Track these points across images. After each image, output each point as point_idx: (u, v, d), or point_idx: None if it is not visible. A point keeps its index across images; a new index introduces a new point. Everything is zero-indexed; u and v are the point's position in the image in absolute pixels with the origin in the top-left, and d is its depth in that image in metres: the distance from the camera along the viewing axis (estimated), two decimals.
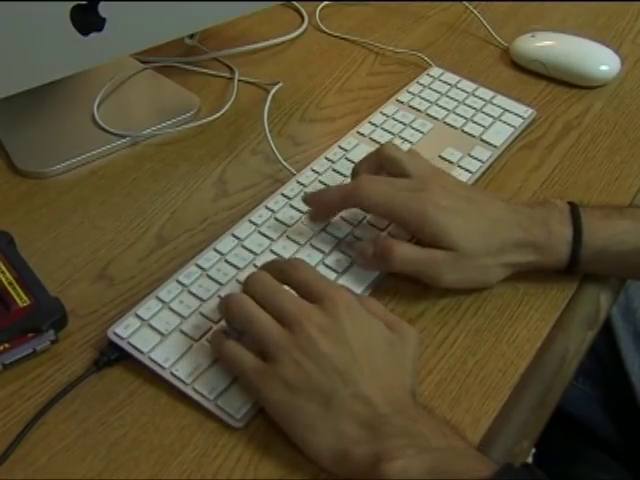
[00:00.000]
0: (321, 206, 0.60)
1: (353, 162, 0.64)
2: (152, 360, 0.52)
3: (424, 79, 0.80)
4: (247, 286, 0.52)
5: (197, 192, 0.67)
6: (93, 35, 0.63)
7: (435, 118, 0.74)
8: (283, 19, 0.89)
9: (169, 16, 0.68)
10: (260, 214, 0.62)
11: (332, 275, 0.58)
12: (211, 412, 0.50)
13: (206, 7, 0.70)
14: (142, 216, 0.65)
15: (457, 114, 0.75)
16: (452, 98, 0.77)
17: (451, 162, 0.69)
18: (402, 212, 0.56)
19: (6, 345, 0.52)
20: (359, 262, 0.58)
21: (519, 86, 0.81)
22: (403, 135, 0.72)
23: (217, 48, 0.83)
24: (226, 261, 0.59)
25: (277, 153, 0.69)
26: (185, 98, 0.77)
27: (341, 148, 0.70)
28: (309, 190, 0.65)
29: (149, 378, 0.52)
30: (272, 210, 0.63)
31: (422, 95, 0.77)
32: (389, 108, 0.75)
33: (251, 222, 0.62)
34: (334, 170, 0.67)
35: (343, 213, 0.61)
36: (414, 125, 0.73)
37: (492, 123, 0.74)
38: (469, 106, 0.76)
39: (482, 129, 0.73)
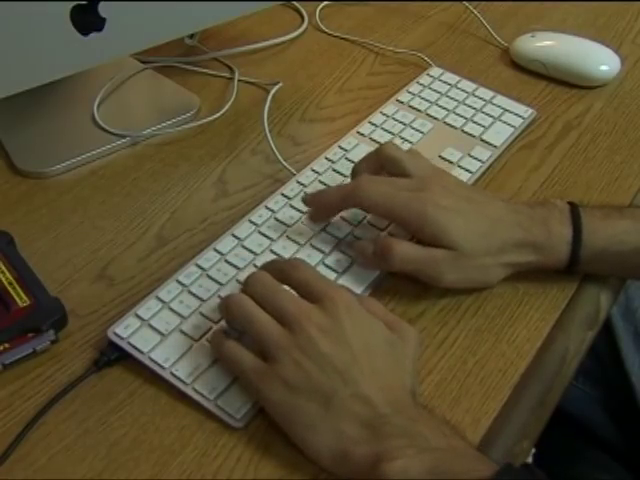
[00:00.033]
0: (321, 206, 0.60)
1: (353, 162, 0.64)
2: (152, 360, 0.52)
3: (424, 79, 0.80)
4: (247, 286, 0.52)
5: (197, 192, 0.67)
6: (93, 35, 0.63)
7: (435, 118, 0.74)
8: (283, 19, 0.89)
9: (169, 16, 0.68)
10: (260, 214, 0.62)
11: (332, 275, 0.58)
12: (211, 412, 0.50)
13: (206, 7, 0.70)
14: (142, 216, 0.65)
15: (457, 114, 0.75)
16: (452, 98, 0.77)
17: (451, 162, 0.69)
18: (402, 212, 0.56)
19: (6, 345, 0.52)
20: (359, 261, 0.58)
21: (519, 86, 0.81)
22: (403, 135, 0.72)
23: (217, 48, 0.83)
24: (226, 261, 0.59)
25: (277, 153, 0.69)
26: (185, 98, 0.77)
27: (341, 148, 0.70)
28: (309, 190, 0.65)
29: (149, 378, 0.52)
30: (272, 210, 0.63)
31: (422, 95, 0.77)
32: (389, 108, 0.75)
33: (251, 222, 0.62)
34: (334, 170, 0.67)
35: (343, 213, 0.61)
36: (414, 125, 0.73)
37: (492, 123, 0.74)
38: (469, 106, 0.76)
39: (482, 129, 0.73)
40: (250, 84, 0.80)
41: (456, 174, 0.66)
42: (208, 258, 0.59)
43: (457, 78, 0.80)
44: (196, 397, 0.50)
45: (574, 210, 0.58)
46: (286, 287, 0.51)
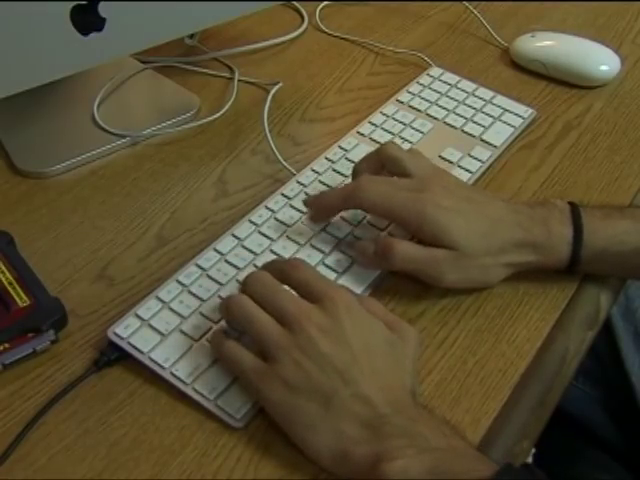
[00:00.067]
0: (322, 208, 0.60)
1: (353, 162, 0.64)
2: (152, 360, 0.52)
3: (424, 79, 0.80)
4: (246, 285, 0.52)
5: (197, 192, 0.67)
6: (93, 35, 0.63)
7: (435, 118, 0.74)
8: (283, 19, 0.89)
9: (169, 16, 0.68)
10: (260, 214, 0.62)
11: (332, 275, 0.58)
12: (211, 412, 0.50)
13: (206, 7, 0.70)
14: (142, 216, 0.65)
15: (457, 114, 0.75)
16: (452, 98, 0.77)
17: (451, 162, 0.69)
18: (401, 212, 0.56)
19: (6, 345, 0.52)
20: (360, 261, 0.58)
21: (519, 86, 0.81)
22: (403, 135, 0.72)
23: (217, 48, 0.83)
24: (226, 261, 0.59)
25: (277, 153, 0.69)
26: (185, 98, 0.77)
27: (341, 148, 0.70)
28: (309, 190, 0.65)
29: (149, 378, 0.52)
30: (272, 210, 0.63)
31: (422, 95, 0.77)
32: (389, 108, 0.75)
33: (251, 222, 0.62)
34: (334, 170, 0.67)
35: (343, 213, 0.61)
36: (414, 125, 0.73)
37: (492, 123, 0.74)
38: (469, 106, 0.76)
39: (482, 129, 0.73)
40: (250, 84, 0.80)
41: (456, 174, 0.66)
42: (208, 258, 0.59)
43: (457, 78, 0.80)
44: (196, 397, 0.50)
45: (574, 210, 0.58)
46: (286, 287, 0.51)
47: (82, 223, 0.64)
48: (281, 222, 0.62)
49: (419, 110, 0.75)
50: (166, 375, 0.51)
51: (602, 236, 0.57)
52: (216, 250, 0.59)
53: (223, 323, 0.53)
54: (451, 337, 0.56)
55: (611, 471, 0.79)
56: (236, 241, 0.60)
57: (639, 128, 0.76)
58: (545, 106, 0.78)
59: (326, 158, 0.69)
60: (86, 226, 0.64)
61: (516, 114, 0.75)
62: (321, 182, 0.66)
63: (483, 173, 0.69)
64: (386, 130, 0.72)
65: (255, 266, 0.58)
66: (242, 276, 0.56)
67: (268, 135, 0.71)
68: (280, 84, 0.79)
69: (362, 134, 0.72)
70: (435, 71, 0.81)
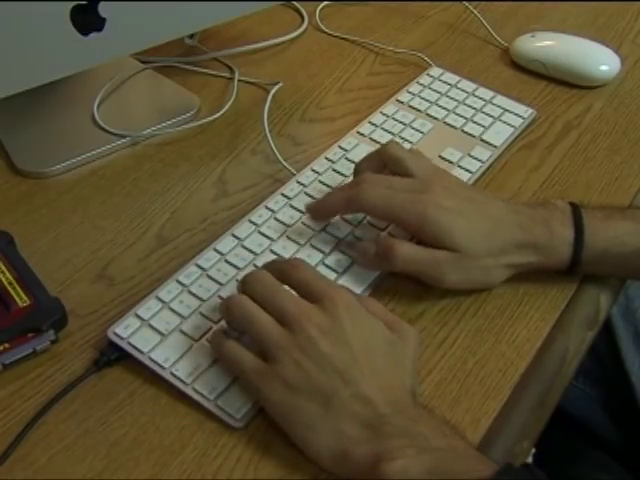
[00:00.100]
0: (324, 214, 0.61)
1: (353, 162, 0.64)
2: (152, 360, 0.52)
3: (424, 79, 0.80)
4: (246, 285, 0.52)
5: (197, 192, 0.67)
6: (93, 35, 0.63)
7: (435, 118, 0.74)
8: (283, 19, 0.89)
9: (169, 16, 0.68)
10: (260, 214, 0.62)
11: (332, 275, 0.58)
12: (211, 412, 0.50)
13: (206, 7, 0.70)
14: (142, 216, 0.65)
15: (457, 114, 0.75)
16: (452, 98, 0.77)
17: (451, 162, 0.69)
18: (402, 213, 0.56)
19: (6, 345, 0.52)
20: (361, 262, 0.58)
21: (519, 86, 0.81)
22: (403, 135, 0.72)
23: (217, 48, 0.83)
24: (226, 261, 0.59)
25: (277, 153, 0.69)
26: (185, 98, 0.77)
27: (341, 148, 0.70)
28: (309, 190, 0.65)
29: (149, 378, 0.52)
30: (272, 210, 0.63)
31: (422, 95, 0.77)
32: (389, 108, 0.75)
33: (251, 222, 0.62)
34: (334, 170, 0.67)
35: None
36: (414, 125, 0.73)
37: (492, 123, 0.74)
38: (469, 106, 0.76)
39: (482, 129, 0.73)
40: (250, 84, 0.80)
41: (456, 174, 0.66)
42: (208, 258, 0.59)
43: (457, 78, 0.80)
44: (196, 397, 0.50)
45: (576, 211, 0.58)
46: (286, 287, 0.51)
47: (82, 223, 0.64)
48: (281, 222, 0.62)
49: (419, 110, 0.75)
50: (166, 375, 0.51)
51: (603, 237, 0.57)
52: (216, 250, 0.59)
53: (223, 323, 0.53)
54: (451, 337, 0.56)
55: (611, 471, 0.79)
56: (236, 241, 0.60)
57: (639, 128, 0.76)
58: (545, 106, 0.78)
59: (326, 158, 0.69)
60: (86, 226, 0.64)
61: (516, 114, 0.75)
62: (321, 182, 0.66)
63: (483, 173, 0.69)
64: (386, 130, 0.72)
65: (255, 266, 0.58)
66: (242, 276, 0.56)
67: (268, 135, 0.71)
68: (280, 84, 0.79)
69: (362, 134, 0.72)
70: (435, 71, 0.81)
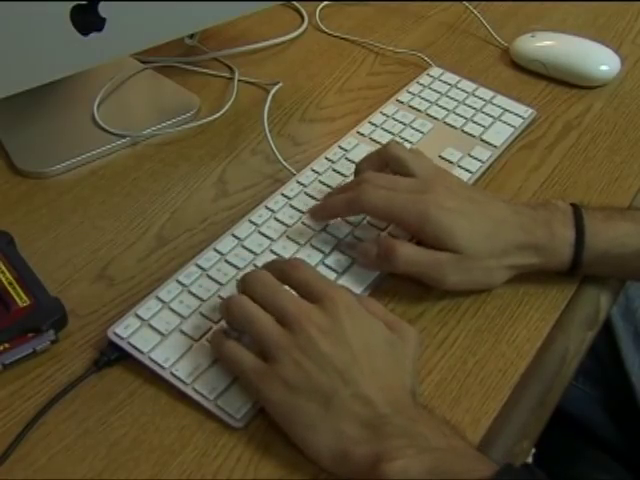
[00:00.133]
0: (326, 217, 0.61)
1: (353, 162, 0.64)
2: (152, 360, 0.52)
3: (424, 79, 0.80)
4: (246, 285, 0.52)
5: (197, 192, 0.67)
6: (93, 35, 0.63)
7: (435, 118, 0.74)
8: (283, 19, 0.89)
9: (169, 16, 0.68)
10: (260, 214, 0.62)
11: (332, 275, 0.58)
12: (211, 412, 0.50)
13: (206, 7, 0.70)
14: (142, 216, 0.65)
15: (457, 114, 0.75)
16: (452, 98, 0.77)
17: (451, 162, 0.69)
18: (403, 214, 0.56)
19: (6, 345, 0.52)
20: (362, 263, 0.58)
21: (519, 86, 0.81)
22: (403, 135, 0.72)
23: (217, 48, 0.83)
24: (226, 261, 0.59)
25: (277, 153, 0.69)
26: (185, 98, 0.77)
27: (341, 148, 0.70)
28: (309, 190, 0.65)
29: (149, 378, 0.52)
30: (272, 210, 0.63)
31: (422, 95, 0.77)
32: (389, 108, 0.75)
33: (251, 222, 0.62)
34: (334, 170, 0.67)
35: None
36: (414, 125, 0.73)
37: (492, 123, 0.74)
38: (469, 106, 0.76)
39: (482, 129, 0.73)
40: (250, 84, 0.80)
41: (456, 174, 0.66)
42: (208, 258, 0.59)
43: (457, 78, 0.80)
44: (196, 397, 0.50)
45: (577, 212, 0.57)
46: (286, 287, 0.51)
47: (82, 223, 0.64)
48: (281, 222, 0.62)
49: (419, 110, 0.75)
50: (166, 375, 0.51)
51: (604, 238, 0.57)
52: (216, 250, 0.59)
53: (223, 323, 0.53)
54: (451, 337, 0.56)
55: (611, 471, 0.79)
56: (236, 241, 0.60)
57: (639, 128, 0.76)
58: (545, 106, 0.78)
59: (326, 158, 0.69)
60: (86, 226, 0.64)
61: (516, 114, 0.75)
62: (321, 182, 0.66)
63: (483, 173, 0.69)
64: (386, 130, 0.72)
65: (255, 266, 0.58)
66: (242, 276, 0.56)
67: (268, 135, 0.71)
68: (280, 84, 0.79)
69: (362, 134, 0.72)
70: (435, 71, 0.81)
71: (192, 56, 0.82)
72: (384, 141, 0.70)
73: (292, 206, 0.63)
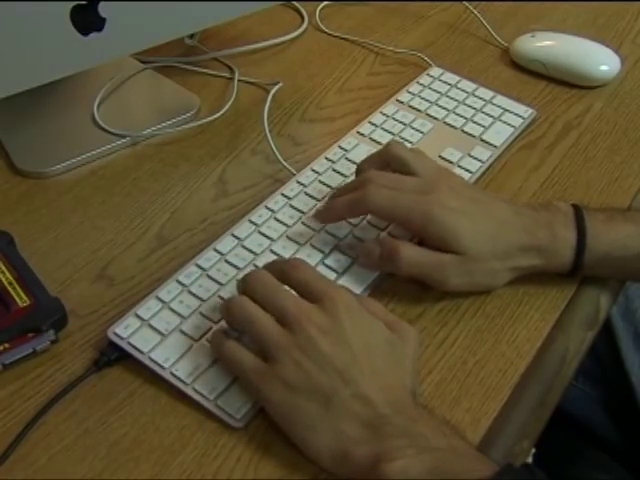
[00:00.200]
0: (331, 219, 0.61)
1: (353, 162, 0.64)
2: (152, 360, 0.52)
3: (424, 79, 0.80)
4: (246, 285, 0.52)
5: (197, 192, 0.67)
6: (93, 35, 0.63)
7: (435, 118, 0.74)
8: (283, 19, 0.89)
9: (169, 16, 0.68)
10: (260, 214, 0.62)
11: (332, 275, 0.58)
12: (211, 412, 0.50)
13: (206, 7, 0.70)
14: (142, 216, 0.65)
15: (457, 114, 0.75)
16: (452, 98, 0.77)
17: (451, 162, 0.69)
18: (406, 214, 0.56)
19: (6, 345, 0.52)
20: (364, 263, 0.58)
21: (519, 86, 0.81)
22: (403, 135, 0.72)
23: (217, 48, 0.83)
24: (226, 261, 0.59)
25: (277, 153, 0.69)
26: (185, 98, 0.77)
27: (341, 148, 0.70)
28: (309, 190, 0.65)
29: (149, 378, 0.52)
30: (272, 210, 0.63)
31: (422, 95, 0.77)
32: (389, 108, 0.75)
33: (251, 222, 0.62)
34: (334, 170, 0.67)
35: None
36: (414, 125, 0.73)
37: (492, 123, 0.74)
38: (469, 106, 0.76)
39: (482, 129, 0.73)
40: (250, 84, 0.80)
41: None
42: (208, 258, 0.59)
43: (457, 78, 0.80)
44: (196, 397, 0.50)
45: (578, 213, 0.57)
46: (286, 287, 0.51)
47: (82, 223, 0.64)
48: (281, 222, 0.62)
49: (419, 110, 0.75)
50: (166, 375, 0.51)
51: (605, 240, 0.57)
52: (216, 250, 0.59)
53: (223, 323, 0.53)
54: (451, 337, 0.56)
55: (611, 471, 0.79)
56: (236, 241, 0.60)
57: (639, 128, 0.76)
58: (545, 106, 0.78)
59: (326, 158, 0.69)
60: (86, 226, 0.64)
61: (516, 114, 0.75)
62: (321, 182, 0.66)
63: (483, 173, 0.69)
64: (386, 130, 0.72)
65: (255, 266, 0.58)
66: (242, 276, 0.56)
67: (268, 135, 0.71)
68: (280, 84, 0.79)
69: (362, 134, 0.72)
70: (435, 71, 0.81)
71: (192, 56, 0.82)
72: (384, 141, 0.70)
73: (292, 206, 0.63)
